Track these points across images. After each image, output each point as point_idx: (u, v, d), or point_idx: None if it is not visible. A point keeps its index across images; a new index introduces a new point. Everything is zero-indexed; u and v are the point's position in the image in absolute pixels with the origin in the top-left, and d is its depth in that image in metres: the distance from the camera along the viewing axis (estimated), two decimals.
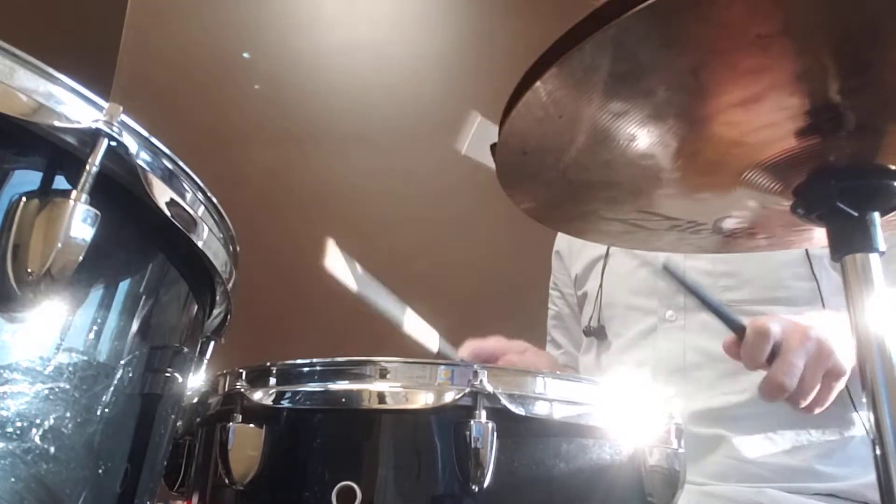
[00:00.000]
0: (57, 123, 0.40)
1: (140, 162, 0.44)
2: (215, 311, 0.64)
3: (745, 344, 0.87)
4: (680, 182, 0.59)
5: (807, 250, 1.07)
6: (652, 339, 1.16)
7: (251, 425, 0.65)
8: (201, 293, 0.59)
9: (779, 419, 1.04)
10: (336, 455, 0.64)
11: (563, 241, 1.44)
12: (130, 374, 0.48)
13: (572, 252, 1.41)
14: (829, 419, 1.03)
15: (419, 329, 0.99)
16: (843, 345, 0.88)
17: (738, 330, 0.88)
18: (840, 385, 0.88)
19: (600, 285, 1.25)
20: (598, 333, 1.24)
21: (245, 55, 2.31)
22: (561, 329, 1.45)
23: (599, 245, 1.28)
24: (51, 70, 0.40)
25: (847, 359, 0.88)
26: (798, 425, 1.04)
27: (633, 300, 1.21)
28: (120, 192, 0.44)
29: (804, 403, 0.87)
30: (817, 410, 0.89)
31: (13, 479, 0.39)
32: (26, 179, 0.40)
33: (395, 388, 0.64)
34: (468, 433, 0.60)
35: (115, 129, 0.41)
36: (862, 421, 1.01)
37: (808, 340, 0.86)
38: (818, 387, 0.87)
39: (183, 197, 0.48)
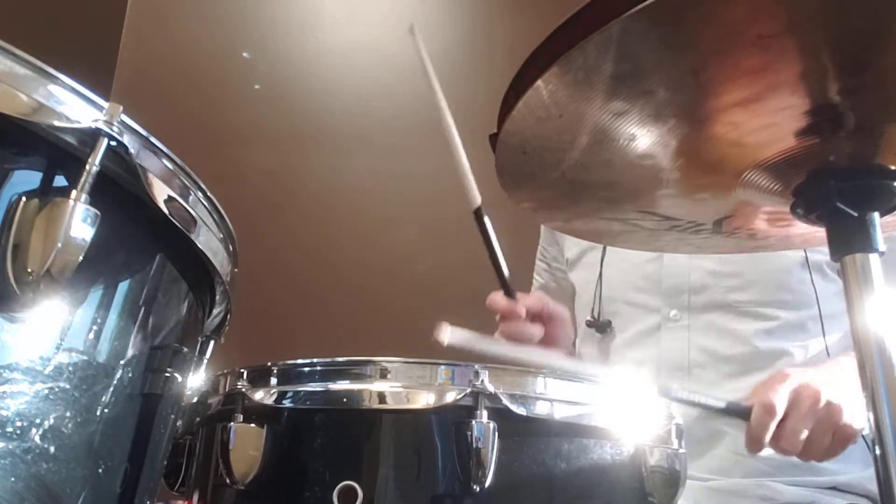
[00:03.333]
0: (57, 123, 0.39)
1: (140, 161, 0.44)
2: (215, 311, 0.64)
3: (749, 426, 0.84)
4: (680, 182, 0.59)
5: (806, 256, 1.07)
6: (656, 337, 1.15)
7: (252, 425, 0.65)
8: (201, 292, 0.59)
9: None
10: (337, 455, 0.64)
11: None
12: (130, 374, 0.48)
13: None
14: None
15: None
16: (857, 401, 0.85)
17: (747, 411, 0.86)
18: (847, 446, 0.87)
19: (599, 276, 1.23)
20: (601, 328, 1.22)
21: (245, 55, 2.31)
22: None
23: None
24: (51, 70, 0.40)
25: (860, 415, 0.85)
26: None
27: (635, 296, 1.20)
28: (120, 191, 0.44)
29: (811, 459, 0.86)
30: (826, 461, 0.88)
31: (13, 479, 0.39)
32: (26, 179, 0.40)
33: (395, 388, 0.64)
34: (469, 433, 0.60)
35: (115, 128, 0.41)
36: (866, 441, 1.00)
37: (817, 405, 0.84)
38: (826, 445, 0.85)
39: (183, 197, 0.48)
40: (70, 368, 0.42)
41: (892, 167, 0.54)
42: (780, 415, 0.83)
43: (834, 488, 1.01)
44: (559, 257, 1.40)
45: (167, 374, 0.54)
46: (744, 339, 1.09)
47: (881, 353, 0.51)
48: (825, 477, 1.02)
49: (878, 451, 0.50)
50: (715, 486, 1.02)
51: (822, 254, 1.06)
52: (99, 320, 0.45)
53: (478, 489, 0.59)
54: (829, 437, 0.85)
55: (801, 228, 0.66)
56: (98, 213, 0.40)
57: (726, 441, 1.06)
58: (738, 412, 0.86)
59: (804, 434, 0.83)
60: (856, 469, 1.02)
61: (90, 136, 0.41)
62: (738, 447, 1.04)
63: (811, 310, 1.07)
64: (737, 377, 1.07)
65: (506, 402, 0.62)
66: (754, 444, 0.84)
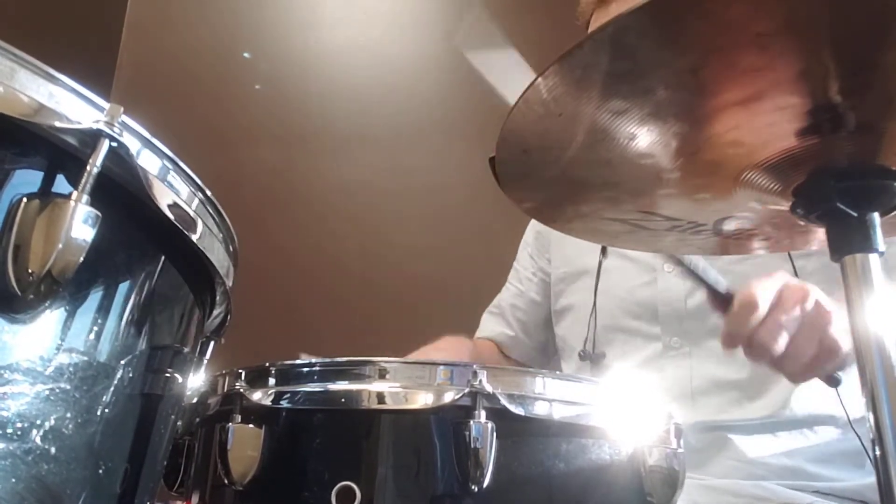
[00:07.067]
0: (58, 124, 0.39)
1: (141, 163, 0.44)
2: (215, 311, 0.64)
3: (729, 315, 0.78)
4: (680, 182, 0.59)
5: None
6: (657, 365, 1.13)
7: (250, 425, 0.65)
8: (201, 293, 0.59)
9: (780, 424, 1.04)
10: (335, 455, 0.64)
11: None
12: (131, 375, 0.48)
13: (552, 242, 1.35)
14: (828, 424, 1.03)
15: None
16: (845, 323, 0.82)
17: (727, 300, 0.81)
18: (831, 363, 0.79)
19: (594, 304, 1.19)
20: (596, 359, 1.19)
21: (245, 55, 2.31)
22: (523, 312, 1.37)
23: (587, 255, 1.24)
24: (51, 70, 0.40)
25: (845, 340, 0.78)
26: (798, 429, 1.04)
27: (633, 324, 1.17)
28: (121, 192, 0.44)
29: (789, 370, 0.79)
30: (800, 381, 0.80)
31: (14, 480, 0.39)
32: (27, 180, 0.40)
33: (394, 389, 0.64)
34: (468, 433, 0.60)
35: (115, 129, 0.41)
36: (852, 425, 0.98)
37: (805, 304, 0.77)
38: (810, 354, 0.78)
39: (183, 197, 0.48)
40: (71, 369, 0.42)
41: (893, 167, 0.54)
42: (762, 311, 0.76)
43: (831, 494, 1.01)
44: (547, 270, 1.36)
45: (167, 375, 0.54)
46: (746, 364, 1.03)
47: (881, 353, 0.51)
48: (823, 483, 1.01)
49: (878, 452, 0.50)
50: (710, 484, 1.02)
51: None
52: (99, 321, 0.45)
53: (476, 489, 0.59)
54: (815, 346, 0.77)
55: (801, 229, 0.66)
56: (99, 214, 0.40)
57: (727, 448, 1.05)
58: (720, 298, 0.81)
59: (786, 336, 0.76)
60: (854, 478, 1.02)
61: (91, 137, 0.41)
62: (739, 455, 1.04)
63: None
64: (741, 402, 1.06)
65: (504, 402, 0.62)
66: (727, 338, 0.78)
